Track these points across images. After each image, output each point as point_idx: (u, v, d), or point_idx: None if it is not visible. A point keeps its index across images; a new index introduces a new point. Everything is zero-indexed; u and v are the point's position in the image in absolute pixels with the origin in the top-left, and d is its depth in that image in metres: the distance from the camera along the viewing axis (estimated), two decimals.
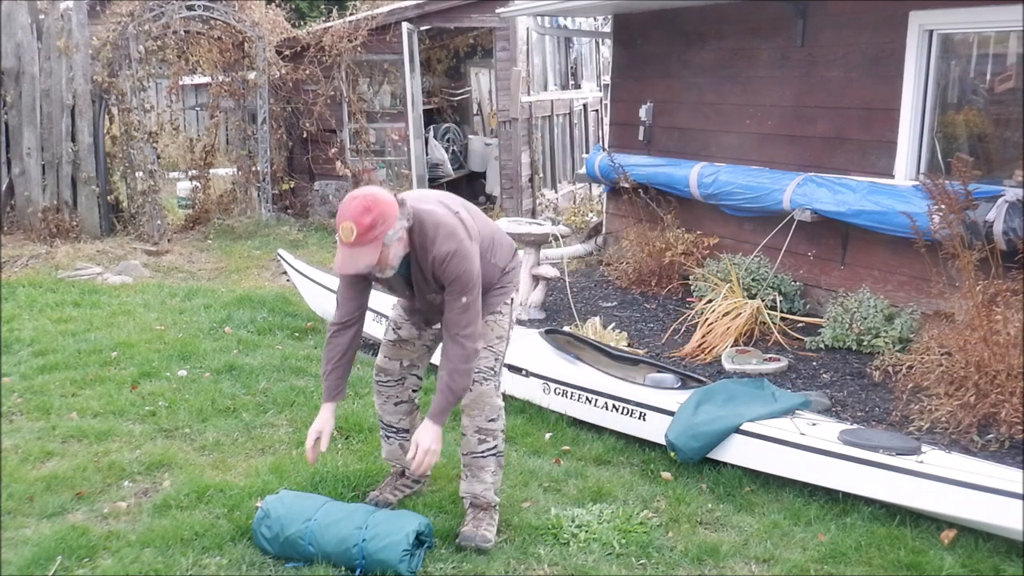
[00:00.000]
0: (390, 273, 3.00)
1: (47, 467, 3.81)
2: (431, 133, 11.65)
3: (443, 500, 3.50)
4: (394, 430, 3.49)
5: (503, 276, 3.29)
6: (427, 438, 2.99)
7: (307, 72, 9.93)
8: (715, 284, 6.05)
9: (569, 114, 12.17)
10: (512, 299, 3.33)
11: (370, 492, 3.50)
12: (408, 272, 3.09)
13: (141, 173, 8.66)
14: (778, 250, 5.92)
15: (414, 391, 3.49)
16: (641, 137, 7.55)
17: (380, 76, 10.47)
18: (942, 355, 4.37)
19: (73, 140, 8.46)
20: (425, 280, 3.06)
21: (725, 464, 3.79)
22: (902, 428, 4.20)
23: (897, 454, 3.41)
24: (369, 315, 5.41)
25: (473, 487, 3.24)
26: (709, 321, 5.59)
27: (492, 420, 3.21)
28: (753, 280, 6.00)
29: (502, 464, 3.32)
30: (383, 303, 4.79)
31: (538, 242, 6.53)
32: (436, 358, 4.02)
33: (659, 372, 4.51)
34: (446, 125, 12.29)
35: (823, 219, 5.59)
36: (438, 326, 3.30)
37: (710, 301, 5.83)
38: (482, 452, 3.22)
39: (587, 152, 8.94)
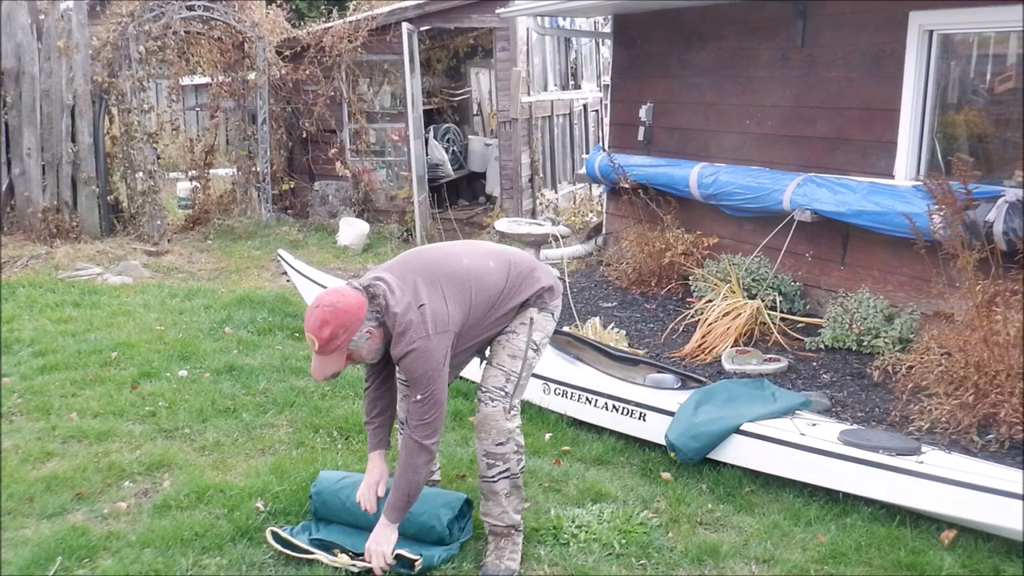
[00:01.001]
0: (374, 360, 3.00)
1: (47, 467, 3.81)
2: (431, 133, 11.65)
3: None
4: (402, 423, 3.42)
5: (522, 309, 3.16)
6: (375, 539, 3.00)
7: (307, 72, 9.93)
8: (715, 284, 6.05)
9: (569, 114, 12.17)
10: (532, 319, 3.13)
11: None
12: None
13: (141, 173, 8.67)
14: (778, 250, 5.92)
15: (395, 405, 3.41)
16: (641, 137, 7.55)
17: (380, 76, 10.47)
18: (942, 355, 4.37)
19: (73, 140, 8.46)
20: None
21: (725, 464, 3.79)
22: (902, 428, 4.20)
23: (897, 454, 3.41)
24: None
25: (490, 510, 3.13)
26: (709, 321, 5.59)
27: (500, 444, 3.06)
28: (753, 280, 6.01)
29: (519, 485, 3.16)
30: None
31: (538, 242, 6.53)
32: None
33: (659, 372, 4.51)
34: (446, 125, 12.29)
35: (823, 219, 5.59)
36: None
37: (710, 301, 5.83)
38: (492, 476, 3.09)
39: (587, 152, 8.94)
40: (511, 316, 3.14)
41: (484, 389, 3.09)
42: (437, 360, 2.90)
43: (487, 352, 3.21)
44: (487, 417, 3.06)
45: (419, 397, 2.90)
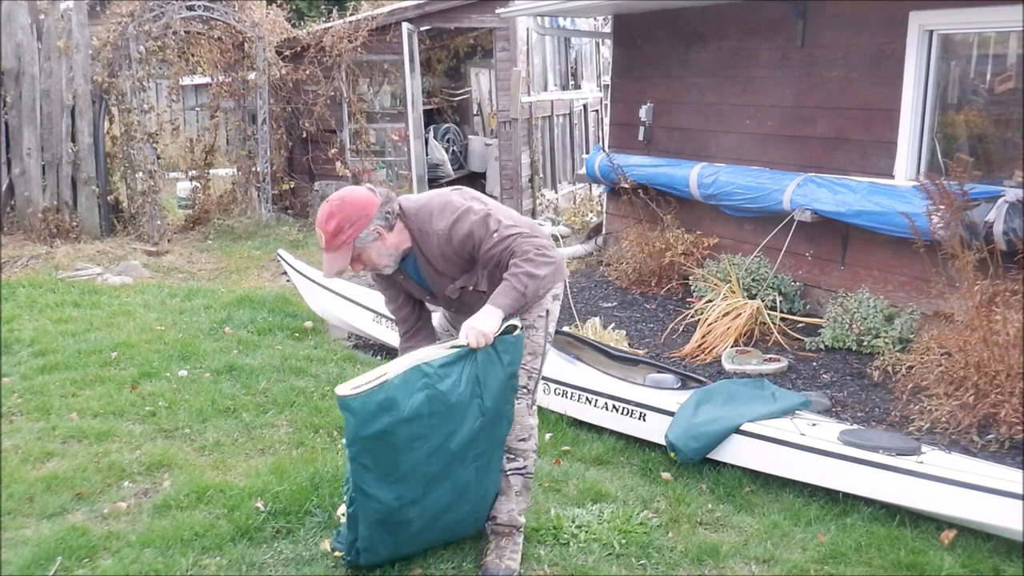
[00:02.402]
0: (388, 271, 2.93)
1: (47, 467, 3.81)
2: (431, 133, 11.65)
3: None
4: None
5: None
6: (478, 319, 2.76)
7: (307, 72, 9.93)
8: (715, 284, 6.05)
9: (569, 114, 12.17)
10: (548, 311, 3.08)
11: None
12: (419, 274, 3.00)
13: (141, 173, 8.67)
14: (778, 250, 5.92)
15: None
16: (641, 137, 7.55)
17: (380, 76, 10.47)
18: (942, 355, 4.37)
19: (73, 140, 8.46)
20: (437, 272, 2.94)
21: (725, 464, 3.79)
22: (902, 428, 4.20)
23: (897, 454, 3.41)
24: (369, 315, 5.43)
25: (500, 506, 3.09)
26: (709, 321, 5.59)
27: (523, 440, 3.08)
28: (753, 280, 6.01)
29: (529, 486, 3.17)
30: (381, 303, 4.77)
31: None
32: None
33: (659, 372, 4.51)
34: (446, 125, 12.29)
35: (823, 219, 5.59)
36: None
37: (710, 301, 5.83)
38: (509, 471, 3.09)
39: (587, 152, 8.94)
40: None
41: None
42: (485, 214, 2.83)
43: None
44: (514, 413, 3.04)
45: (495, 238, 2.78)
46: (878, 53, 5.54)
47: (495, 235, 2.81)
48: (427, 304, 3.21)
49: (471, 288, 2.97)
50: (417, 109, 9.96)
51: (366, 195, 2.84)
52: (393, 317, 3.22)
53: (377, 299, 5.03)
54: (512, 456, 3.10)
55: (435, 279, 2.98)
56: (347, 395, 2.65)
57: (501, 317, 2.79)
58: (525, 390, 3.07)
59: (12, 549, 3.15)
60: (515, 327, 2.85)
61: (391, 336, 5.11)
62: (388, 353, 5.30)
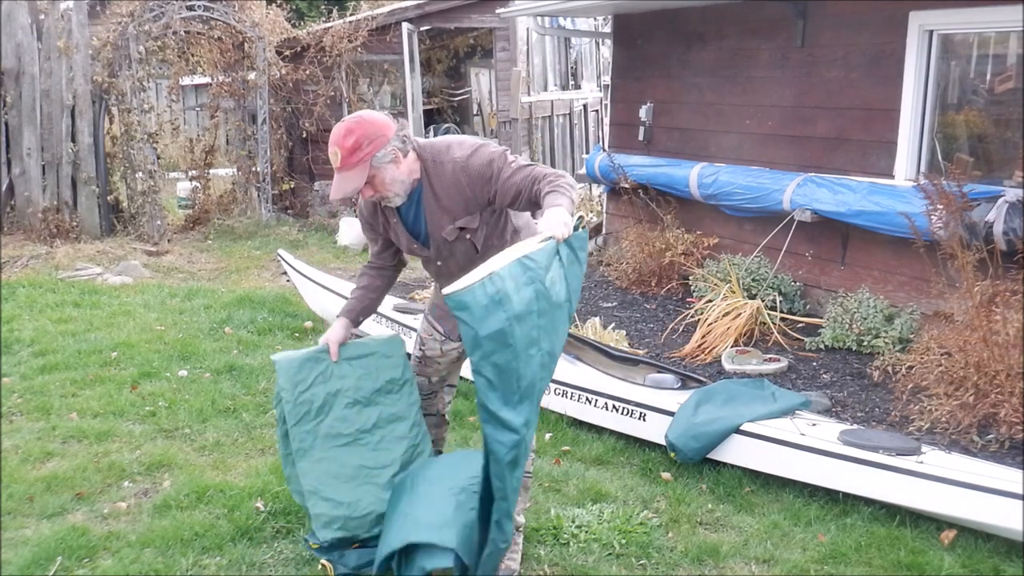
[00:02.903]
0: (396, 201, 2.85)
1: (47, 467, 3.81)
2: (431, 133, 11.65)
3: None
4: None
5: None
6: (554, 217, 2.59)
7: (307, 72, 9.93)
8: (715, 284, 6.05)
9: (569, 114, 12.18)
10: None
11: None
12: (417, 216, 2.93)
13: (141, 173, 8.67)
14: (778, 250, 5.92)
15: (445, 405, 3.38)
16: (641, 137, 7.55)
17: (380, 76, 10.48)
18: (942, 355, 4.37)
19: (73, 140, 8.46)
20: (441, 209, 2.85)
21: (725, 464, 3.79)
22: (902, 428, 4.20)
23: (897, 454, 3.41)
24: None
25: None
26: (709, 321, 5.59)
27: None
28: (753, 280, 6.01)
29: (528, 485, 3.16)
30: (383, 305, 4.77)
31: None
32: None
33: (659, 372, 4.51)
34: (446, 125, 12.30)
35: (823, 219, 5.59)
36: (455, 348, 3.15)
37: (710, 301, 5.83)
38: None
39: (587, 152, 8.94)
40: None
41: None
42: (504, 150, 2.84)
43: None
44: None
45: (513, 167, 2.76)
46: (878, 53, 5.54)
47: (513, 165, 2.79)
48: (402, 262, 3.18)
49: (467, 236, 2.89)
50: (417, 109, 9.97)
51: (384, 117, 2.82)
52: (372, 261, 3.18)
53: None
54: None
55: (436, 217, 2.88)
56: (457, 290, 2.42)
57: (568, 211, 2.63)
58: None
59: (12, 549, 3.15)
60: (581, 218, 2.70)
61: None
62: None
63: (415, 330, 5.11)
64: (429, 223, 2.91)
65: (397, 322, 5.09)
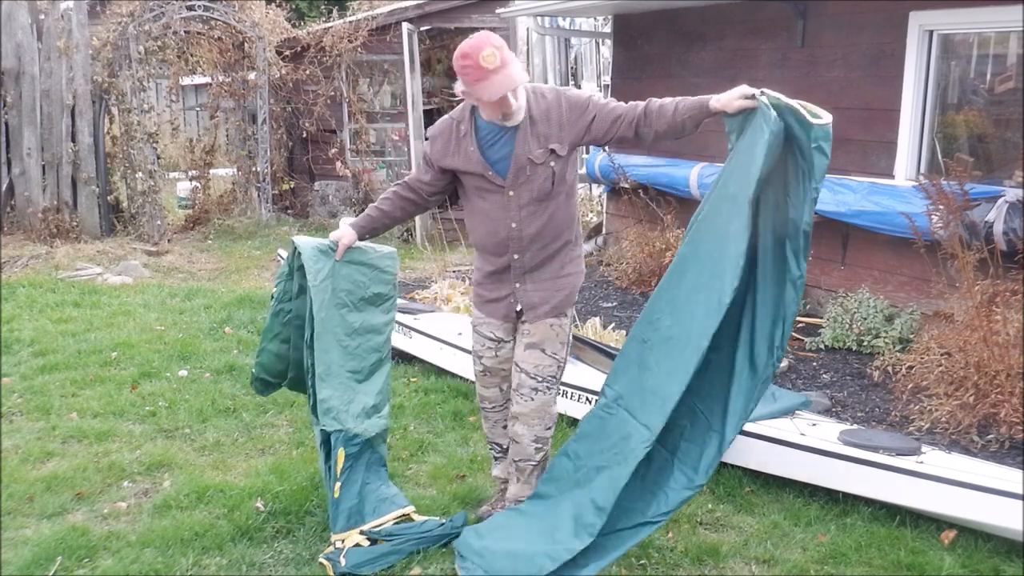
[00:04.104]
0: (515, 119, 2.95)
1: (47, 467, 3.81)
2: None
3: (447, 501, 3.50)
4: (503, 450, 3.44)
5: (576, 262, 3.26)
6: (734, 92, 2.80)
7: (307, 72, 9.93)
8: None
9: None
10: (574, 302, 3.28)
11: (481, 508, 3.45)
12: (508, 141, 3.01)
13: (141, 173, 8.67)
14: None
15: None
16: None
17: (380, 76, 10.47)
18: (942, 355, 4.37)
19: (73, 140, 8.47)
20: (535, 134, 2.98)
21: (725, 464, 3.78)
22: (902, 428, 4.20)
23: (897, 454, 3.41)
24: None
25: (523, 491, 3.25)
26: None
27: (548, 428, 3.23)
28: None
29: (546, 467, 3.32)
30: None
31: None
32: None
33: None
34: None
35: (823, 219, 5.58)
36: (508, 348, 3.25)
37: None
38: (538, 461, 3.25)
39: (587, 152, 8.95)
40: (569, 250, 3.19)
41: (539, 378, 3.14)
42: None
43: (529, 334, 3.17)
44: (544, 404, 3.17)
45: (600, 103, 2.98)
46: (878, 53, 5.54)
47: (612, 101, 2.99)
48: (432, 201, 3.28)
49: (552, 163, 3.00)
50: (417, 109, 9.96)
51: None
52: (409, 183, 3.27)
53: None
54: (540, 446, 3.24)
55: (527, 141, 2.98)
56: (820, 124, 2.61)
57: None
58: (553, 380, 3.19)
59: (12, 549, 3.15)
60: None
61: (393, 337, 5.09)
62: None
63: (416, 330, 5.13)
64: (518, 147, 2.99)
65: (397, 322, 5.09)
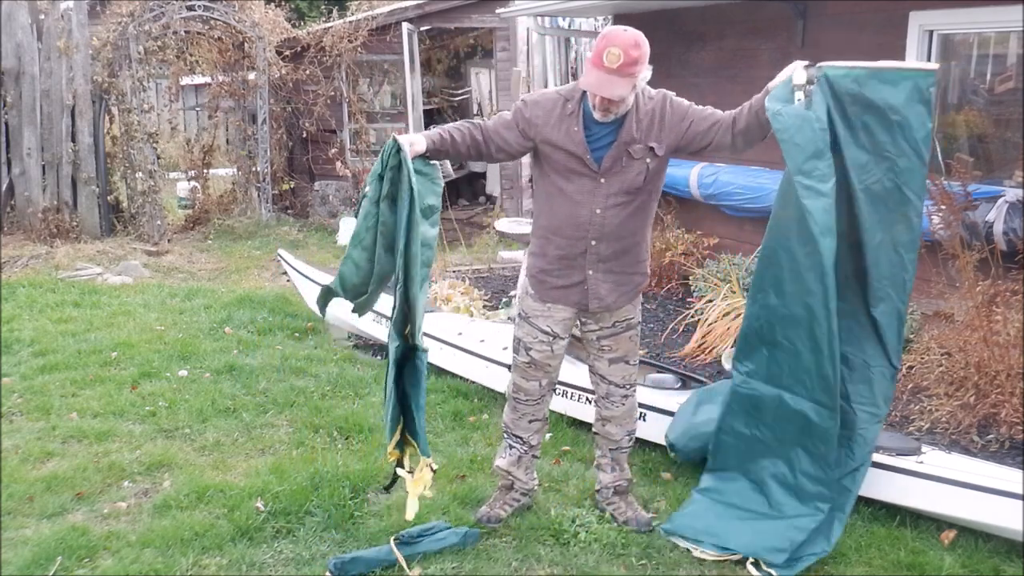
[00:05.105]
0: (621, 111, 3.01)
1: (47, 467, 3.81)
2: None
3: (447, 501, 3.50)
4: (525, 445, 3.43)
5: (644, 264, 3.34)
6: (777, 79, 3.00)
7: (307, 72, 9.93)
8: (715, 284, 6.04)
9: None
10: (640, 303, 3.44)
11: (480, 509, 3.44)
12: (613, 131, 3.05)
13: (141, 173, 8.67)
14: None
15: (548, 410, 3.51)
16: None
17: (380, 76, 10.47)
18: (942, 355, 4.37)
19: (73, 140, 8.47)
20: (639, 130, 3.04)
21: None
22: (902, 428, 4.20)
23: (897, 454, 3.41)
24: (369, 315, 5.42)
25: (621, 476, 3.48)
26: (709, 321, 5.58)
27: (635, 420, 3.55)
28: None
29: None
30: (383, 305, 4.77)
31: None
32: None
33: (659, 372, 4.51)
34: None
35: None
36: (562, 345, 3.31)
37: (710, 301, 5.82)
38: (629, 448, 3.51)
39: None
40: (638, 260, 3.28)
41: (627, 385, 3.40)
42: None
43: (611, 350, 3.37)
44: (633, 405, 3.46)
45: (711, 110, 3.10)
46: (878, 53, 5.51)
47: (708, 108, 3.11)
48: (492, 155, 3.21)
49: (647, 159, 3.08)
50: (417, 109, 9.96)
51: None
52: (496, 127, 3.17)
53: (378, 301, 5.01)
54: (632, 438, 3.52)
55: (629, 136, 3.04)
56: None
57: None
58: (635, 381, 3.46)
59: (12, 549, 3.15)
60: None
61: None
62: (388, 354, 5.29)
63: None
64: (621, 138, 3.04)
65: None
